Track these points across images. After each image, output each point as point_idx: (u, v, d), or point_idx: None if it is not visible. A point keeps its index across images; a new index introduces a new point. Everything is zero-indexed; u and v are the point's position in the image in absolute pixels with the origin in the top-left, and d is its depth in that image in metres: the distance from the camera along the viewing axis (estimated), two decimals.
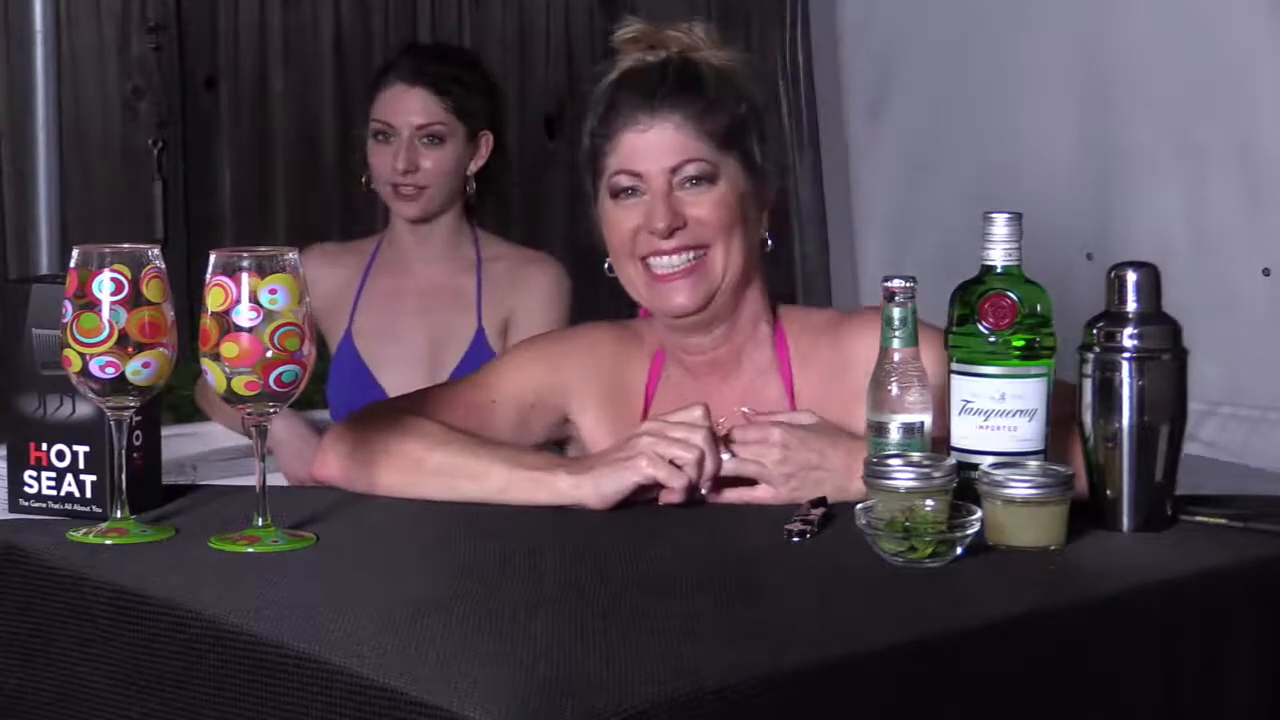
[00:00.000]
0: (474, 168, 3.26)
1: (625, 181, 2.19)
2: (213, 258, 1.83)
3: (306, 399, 2.81)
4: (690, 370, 2.27)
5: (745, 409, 2.13)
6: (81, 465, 1.98)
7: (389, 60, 3.39)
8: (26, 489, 2.01)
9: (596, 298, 2.44)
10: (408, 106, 3.21)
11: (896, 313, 1.93)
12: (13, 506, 2.02)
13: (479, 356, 3.20)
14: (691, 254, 2.17)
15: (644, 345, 2.31)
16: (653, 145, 2.18)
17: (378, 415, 2.20)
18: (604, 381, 2.29)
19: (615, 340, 2.33)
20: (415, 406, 2.21)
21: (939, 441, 1.93)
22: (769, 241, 2.26)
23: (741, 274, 2.21)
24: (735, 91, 2.23)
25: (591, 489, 2.01)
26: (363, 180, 3.29)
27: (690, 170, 2.17)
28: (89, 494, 1.98)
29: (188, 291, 1.98)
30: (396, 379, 3.20)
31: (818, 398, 2.18)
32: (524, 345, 2.45)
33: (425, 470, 2.08)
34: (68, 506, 1.99)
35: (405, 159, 3.19)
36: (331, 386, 3.28)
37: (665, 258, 2.17)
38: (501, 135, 3.32)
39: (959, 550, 1.76)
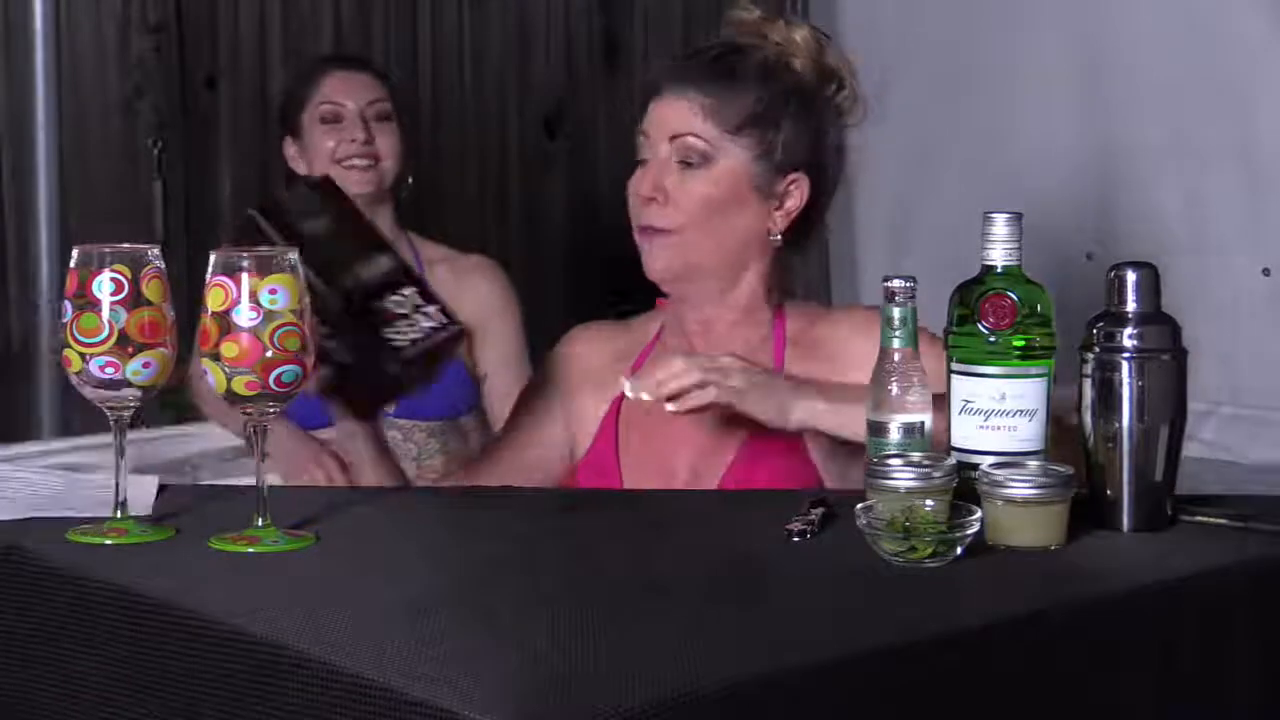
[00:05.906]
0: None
1: (639, 144, 2.25)
2: (213, 258, 1.83)
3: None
4: (687, 336, 2.31)
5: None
6: None
7: (313, 64, 3.43)
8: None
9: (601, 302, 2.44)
10: (357, 87, 3.27)
11: (896, 313, 1.93)
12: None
13: None
14: (662, 233, 2.21)
15: (647, 328, 2.36)
16: (662, 114, 2.24)
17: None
18: (600, 372, 2.33)
19: (614, 334, 2.39)
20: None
21: (936, 444, 1.93)
22: (777, 237, 2.26)
23: (732, 261, 2.25)
24: (778, 83, 2.23)
25: None
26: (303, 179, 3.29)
27: (687, 144, 2.21)
28: None
29: (188, 291, 1.98)
30: None
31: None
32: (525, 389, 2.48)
33: None
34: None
35: (362, 130, 3.22)
36: None
37: (647, 234, 2.22)
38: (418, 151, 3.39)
39: (959, 550, 1.76)
